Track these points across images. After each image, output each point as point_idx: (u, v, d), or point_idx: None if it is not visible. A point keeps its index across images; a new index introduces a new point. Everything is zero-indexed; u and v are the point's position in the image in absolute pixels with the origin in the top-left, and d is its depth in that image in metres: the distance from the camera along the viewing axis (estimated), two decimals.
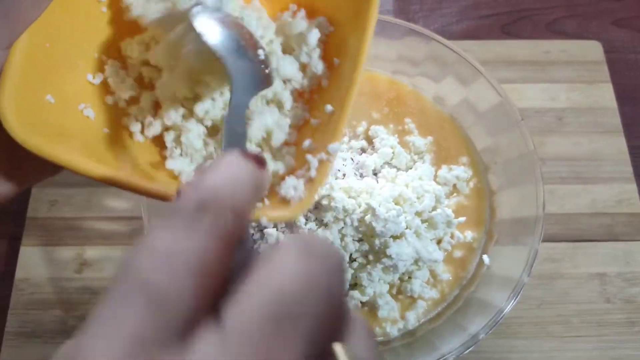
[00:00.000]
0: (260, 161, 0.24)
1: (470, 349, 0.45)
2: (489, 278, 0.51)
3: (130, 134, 0.40)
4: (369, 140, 0.58)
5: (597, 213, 0.64)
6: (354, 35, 0.39)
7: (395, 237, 0.50)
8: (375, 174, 0.55)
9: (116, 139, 0.38)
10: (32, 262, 0.62)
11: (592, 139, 0.67)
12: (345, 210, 0.49)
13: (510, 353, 0.57)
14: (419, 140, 0.57)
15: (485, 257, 0.52)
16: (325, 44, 0.42)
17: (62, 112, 0.35)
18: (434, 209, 0.53)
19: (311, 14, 0.43)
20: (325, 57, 0.42)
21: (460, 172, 0.56)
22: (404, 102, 0.60)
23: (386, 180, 0.54)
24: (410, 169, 0.56)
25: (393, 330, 0.51)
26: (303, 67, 0.42)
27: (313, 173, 0.34)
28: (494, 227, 0.54)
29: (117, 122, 0.39)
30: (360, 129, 0.58)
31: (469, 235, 0.54)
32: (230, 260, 0.21)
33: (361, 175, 0.54)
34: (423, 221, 0.52)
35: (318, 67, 0.41)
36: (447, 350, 0.45)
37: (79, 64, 0.38)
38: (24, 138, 0.31)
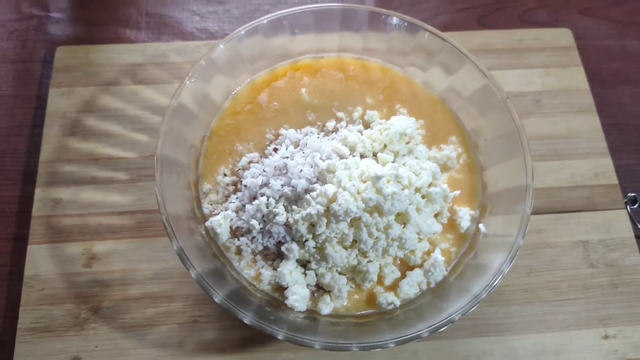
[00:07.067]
0: None
1: (474, 308, 0.49)
2: (486, 245, 0.55)
3: None
4: (366, 124, 0.61)
5: (576, 186, 0.68)
6: None
7: (401, 220, 0.54)
8: (374, 155, 0.58)
9: None
10: (40, 260, 0.62)
11: (567, 118, 0.72)
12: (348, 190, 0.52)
13: (505, 319, 0.61)
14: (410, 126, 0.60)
15: (481, 226, 0.56)
16: None
17: None
18: (431, 185, 0.57)
19: None
20: None
21: (450, 150, 0.60)
22: (396, 88, 0.63)
23: (385, 161, 0.57)
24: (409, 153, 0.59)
25: (400, 298, 0.54)
26: None
27: None
28: (487, 199, 0.58)
29: None
30: (356, 114, 0.61)
31: (464, 208, 0.58)
32: None
33: (361, 157, 0.57)
34: (422, 197, 0.56)
35: None
36: (453, 310, 0.49)
37: None
38: None
